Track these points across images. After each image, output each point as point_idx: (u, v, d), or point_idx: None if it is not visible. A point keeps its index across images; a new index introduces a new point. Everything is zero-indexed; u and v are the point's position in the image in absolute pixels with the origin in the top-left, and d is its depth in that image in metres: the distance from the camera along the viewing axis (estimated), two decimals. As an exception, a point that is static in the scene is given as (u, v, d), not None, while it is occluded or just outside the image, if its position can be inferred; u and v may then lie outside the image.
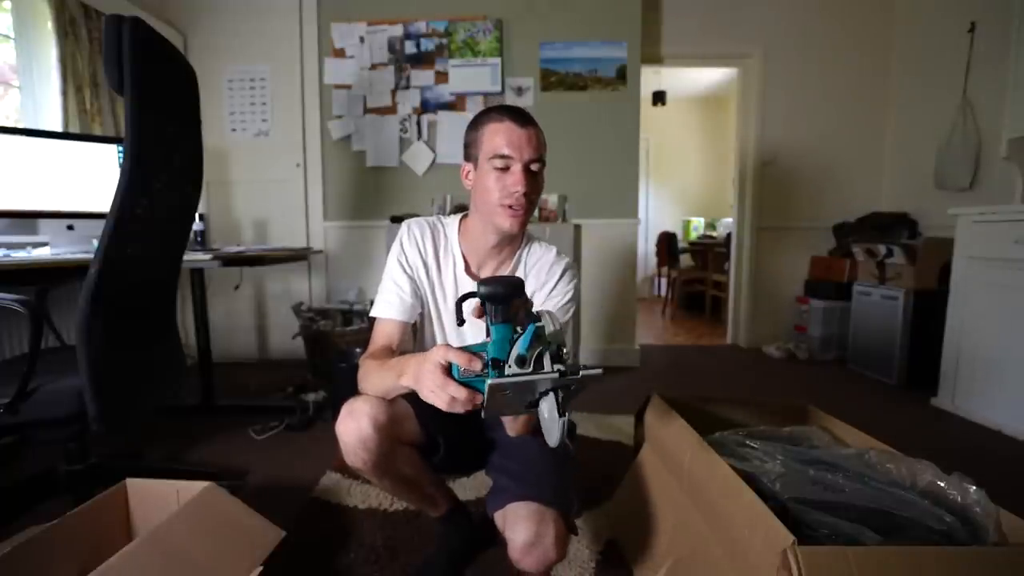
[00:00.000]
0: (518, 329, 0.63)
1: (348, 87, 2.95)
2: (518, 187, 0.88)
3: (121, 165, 1.24)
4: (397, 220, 2.67)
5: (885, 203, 3.25)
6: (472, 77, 2.91)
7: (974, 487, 0.83)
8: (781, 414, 1.28)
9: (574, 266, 1.04)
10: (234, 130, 2.99)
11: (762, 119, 3.31)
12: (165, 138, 1.10)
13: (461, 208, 2.53)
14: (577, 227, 2.79)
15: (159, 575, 0.83)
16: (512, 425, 0.89)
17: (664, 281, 5.34)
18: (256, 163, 3.00)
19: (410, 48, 2.92)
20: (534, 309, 0.67)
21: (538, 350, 0.61)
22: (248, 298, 3.09)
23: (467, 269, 1.01)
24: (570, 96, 2.93)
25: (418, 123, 2.95)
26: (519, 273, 1.01)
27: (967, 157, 2.64)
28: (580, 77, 2.92)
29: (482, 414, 0.65)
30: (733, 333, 3.62)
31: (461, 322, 0.70)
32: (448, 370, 0.66)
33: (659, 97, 4.89)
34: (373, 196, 3.01)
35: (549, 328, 0.62)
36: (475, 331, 0.93)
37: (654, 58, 3.21)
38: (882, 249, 2.76)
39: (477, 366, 0.63)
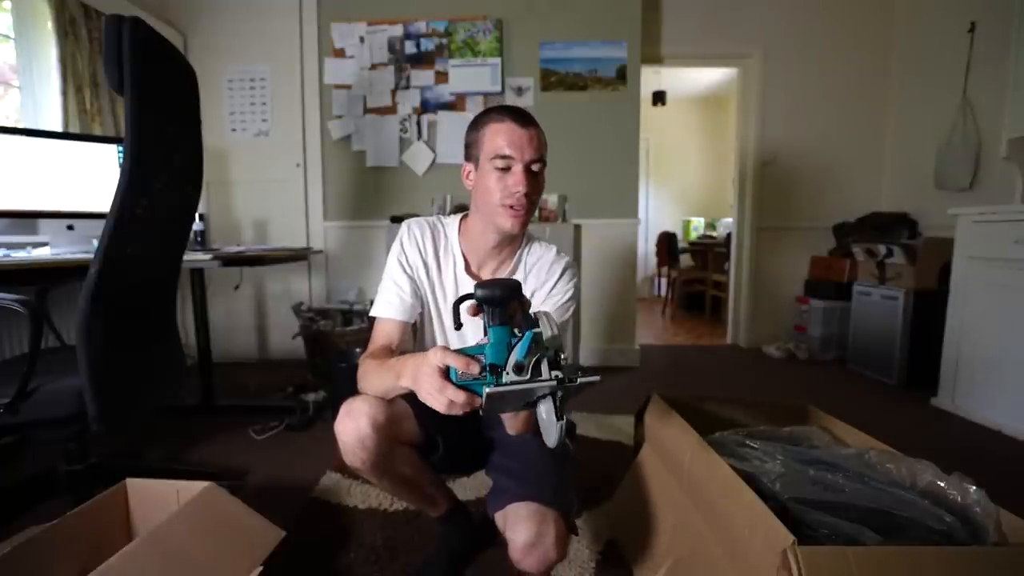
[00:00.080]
0: (515, 331, 0.63)
1: (348, 87, 2.95)
2: (519, 187, 0.88)
3: (121, 165, 1.24)
4: (397, 220, 2.67)
5: (885, 203, 3.25)
6: (472, 77, 2.91)
7: (974, 487, 0.82)
8: (781, 414, 1.28)
9: (574, 265, 1.04)
10: (234, 130, 2.99)
11: (762, 119, 3.31)
12: (165, 138, 1.10)
13: (461, 208, 2.53)
14: (577, 227, 2.79)
15: (159, 575, 0.83)
16: (512, 423, 0.89)
17: (664, 281, 5.34)
18: (256, 163, 3.00)
19: (410, 48, 2.92)
20: (534, 309, 0.67)
21: (536, 357, 0.61)
22: (248, 298, 3.09)
23: (467, 269, 1.01)
24: (570, 96, 2.93)
25: (418, 123, 2.95)
26: (519, 273, 1.01)
27: (967, 157, 2.64)
28: (580, 77, 2.92)
29: (480, 413, 0.65)
30: (733, 333, 3.62)
31: (458, 326, 0.70)
32: (446, 373, 0.66)
33: (659, 97, 4.89)
34: (373, 196, 3.01)
35: (547, 333, 0.62)
36: (475, 331, 0.93)
37: (654, 58, 3.21)
38: (882, 249, 2.76)
39: (475, 369, 0.63)
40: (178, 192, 1.20)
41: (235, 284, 2.94)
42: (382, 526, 1.32)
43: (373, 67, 2.93)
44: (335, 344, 2.36)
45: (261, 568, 0.90)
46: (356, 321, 2.55)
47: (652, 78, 4.58)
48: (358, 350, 2.10)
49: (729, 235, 3.81)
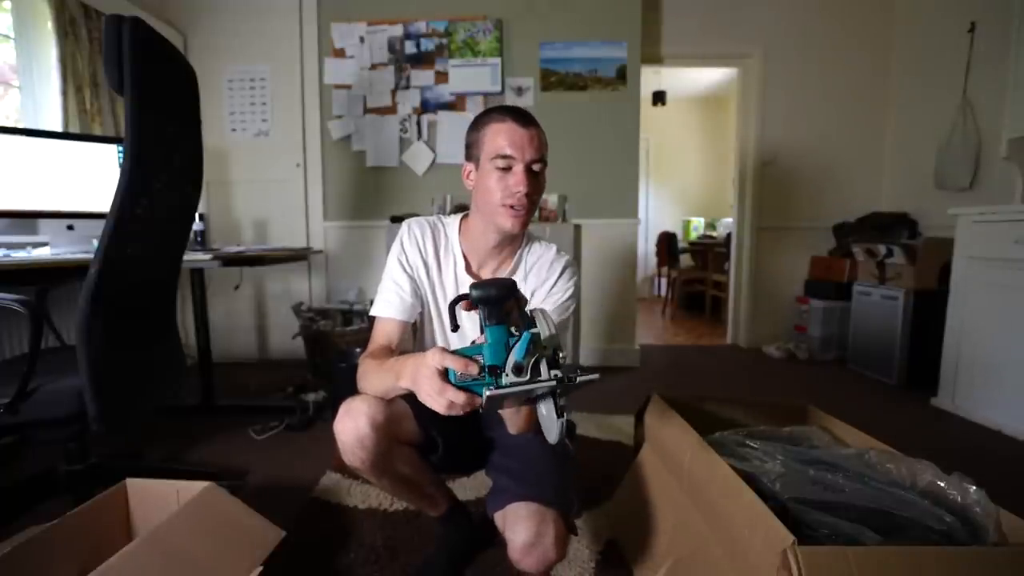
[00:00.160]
0: (513, 331, 0.64)
1: (348, 87, 2.95)
2: (520, 187, 0.88)
3: (121, 165, 1.24)
4: (397, 220, 2.67)
5: (885, 203, 3.25)
6: (472, 77, 2.91)
7: (974, 487, 0.82)
8: (781, 414, 1.28)
9: (574, 264, 1.04)
10: (234, 130, 2.99)
11: (762, 119, 3.31)
12: (165, 138, 1.10)
13: (461, 208, 2.53)
14: (577, 227, 2.79)
15: (159, 575, 0.83)
16: (514, 422, 0.89)
17: (664, 281, 5.34)
18: (256, 163, 3.00)
19: (410, 48, 2.92)
20: (533, 307, 0.67)
21: (535, 357, 0.61)
22: (248, 298, 3.09)
23: (468, 269, 1.01)
24: (570, 96, 2.93)
25: (418, 123, 2.95)
26: (520, 272, 1.01)
27: (967, 157, 2.64)
28: (580, 77, 2.92)
29: (480, 411, 0.65)
30: (733, 333, 3.62)
31: (455, 328, 0.71)
32: (445, 374, 0.66)
33: (659, 97, 4.89)
34: (373, 196, 3.01)
35: (544, 332, 0.62)
36: (475, 329, 0.93)
37: (654, 58, 3.21)
38: (882, 249, 2.76)
39: (474, 370, 0.64)
40: (178, 192, 1.20)
41: (235, 284, 2.94)
42: (382, 526, 1.32)
43: (373, 67, 2.93)
44: (335, 344, 2.36)
45: (261, 568, 0.90)
46: (356, 321, 2.55)
47: (652, 78, 4.58)
48: (358, 350, 2.10)
49: (729, 235, 3.81)
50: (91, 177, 1.76)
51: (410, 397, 0.78)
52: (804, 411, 1.31)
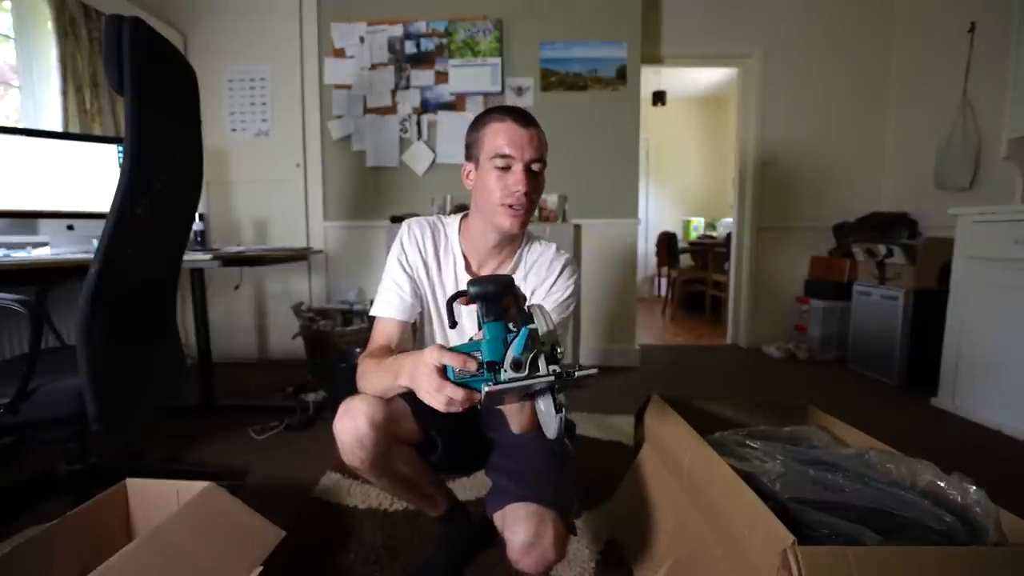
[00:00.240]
0: (511, 326, 0.64)
1: (348, 87, 2.95)
2: (519, 187, 0.88)
3: (121, 165, 1.24)
4: (397, 220, 2.67)
5: (885, 203, 3.25)
6: (472, 77, 2.91)
7: (974, 487, 0.82)
8: (781, 414, 1.28)
9: (574, 262, 1.04)
10: (234, 130, 2.99)
11: (762, 119, 3.31)
12: (165, 138, 1.10)
13: (461, 208, 2.53)
14: (577, 227, 2.79)
15: (159, 575, 0.83)
16: (517, 422, 0.89)
17: (664, 281, 5.34)
18: (256, 163, 3.00)
19: (410, 48, 2.92)
20: (532, 304, 0.68)
21: (533, 353, 0.61)
22: (248, 298, 3.09)
23: (468, 268, 1.01)
24: (570, 96, 2.93)
25: (418, 123, 2.95)
26: (520, 271, 1.01)
27: (967, 157, 2.64)
28: (580, 77, 2.92)
29: (479, 408, 0.65)
30: (733, 333, 3.62)
31: (453, 324, 0.71)
32: (443, 371, 0.67)
33: (659, 97, 4.89)
34: (373, 196, 3.01)
35: (542, 328, 0.63)
36: (474, 328, 0.93)
37: (654, 58, 3.21)
38: (882, 249, 2.76)
39: (472, 367, 0.64)
40: (178, 192, 1.20)
41: (235, 284, 2.94)
42: (382, 526, 1.32)
43: (373, 67, 2.93)
44: (335, 344, 2.36)
45: (261, 568, 0.90)
46: (356, 321, 2.55)
47: (652, 78, 4.58)
48: (358, 350, 2.09)
49: (729, 235, 3.81)
50: (91, 177, 1.76)
51: (409, 396, 0.78)
52: (804, 411, 1.31)
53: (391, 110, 2.95)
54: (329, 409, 2.08)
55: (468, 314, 0.96)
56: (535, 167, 0.91)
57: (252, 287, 3.08)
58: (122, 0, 2.46)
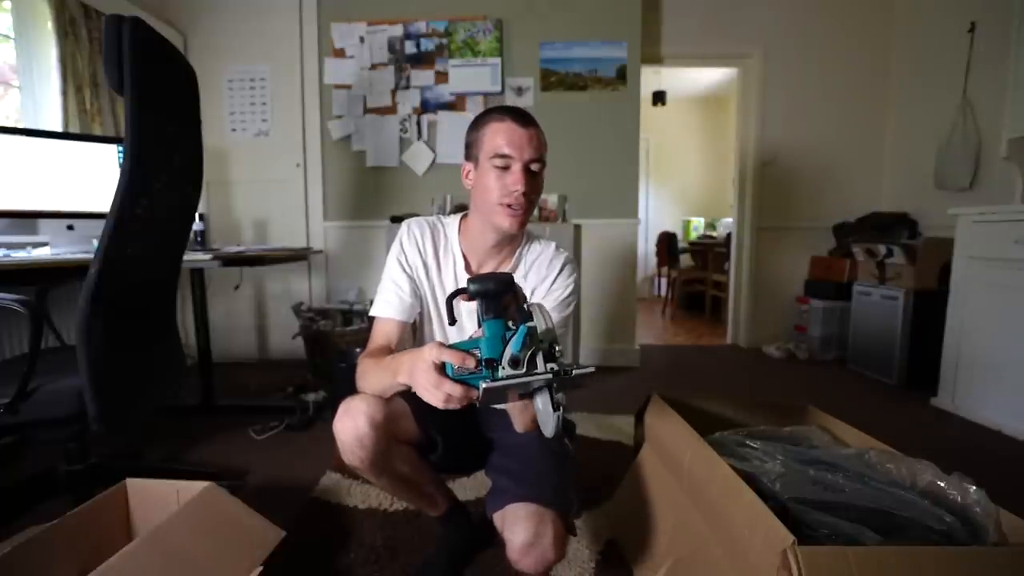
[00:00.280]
0: (510, 324, 0.64)
1: (348, 87, 2.95)
2: (517, 186, 0.88)
3: (121, 165, 1.24)
4: (397, 220, 2.67)
5: (885, 203, 3.25)
6: (472, 77, 2.91)
7: (974, 487, 0.82)
8: (781, 414, 1.28)
9: (573, 260, 1.05)
10: (234, 130, 2.99)
11: (762, 119, 3.31)
12: (165, 138, 1.10)
13: (461, 208, 2.53)
14: (577, 227, 2.79)
15: (159, 575, 0.83)
16: (520, 420, 0.89)
17: (664, 281, 5.34)
18: (256, 163, 3.00)
19: (410, 48, 2.92)
20: (532, 303, 0.68)
21: (531, 350, 0.62)
22: (248, 298, 3.09)
23: (467, 268, 1.01)
24: (570, 96, 2.93)
25: (418, 123, 2.95)
26: (520, 271, 1.01)
27: (967, 157, 2.64)
28: (580, 77, 2.92)
29: (477, 405, 0.66)
30: (733, 333, 3.62)
31: (452, 321, 0.72)
32: (442, 368, 0.67)
33: (659, 97, 4.89)
34: (373, 196, 3.01)
35: (541, 326, 0.63)
36: (473, 327, 0.93)
37: (654, 58, 3.21)
38: (882, 249, 2.76)
39: (471, 364, 0.64)
40: (178, 192, 1.20)
41: (235, 284, 2.94)
42: (382, 526, 1.32)
43: (373, 67, 2.93)
44: (335, 344, 2.36)
45: (261, 568, 0.90)
46: (356, 321, 2.55)
47: (652, 78, 4.58)
48: (358, 350, 2.09)
49: (729, 235, 3.81)
50: (91, 177, 1.76)
51: (409, 395, 0.78)
52: (804, 411, 1.31)
53: (391, 110, 2.95)
54: (329, 409, 2.08)
55: (468, 314, 0.96)
56: (534, 167, 0.91)
57: (252, 287, 3.08)
58: (122, 0, 2.46)
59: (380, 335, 0.98)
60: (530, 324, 0.62)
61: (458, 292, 0.69)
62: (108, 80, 0.97)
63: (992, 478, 0.88)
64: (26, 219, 1.75)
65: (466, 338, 0.71)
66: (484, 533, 1.13)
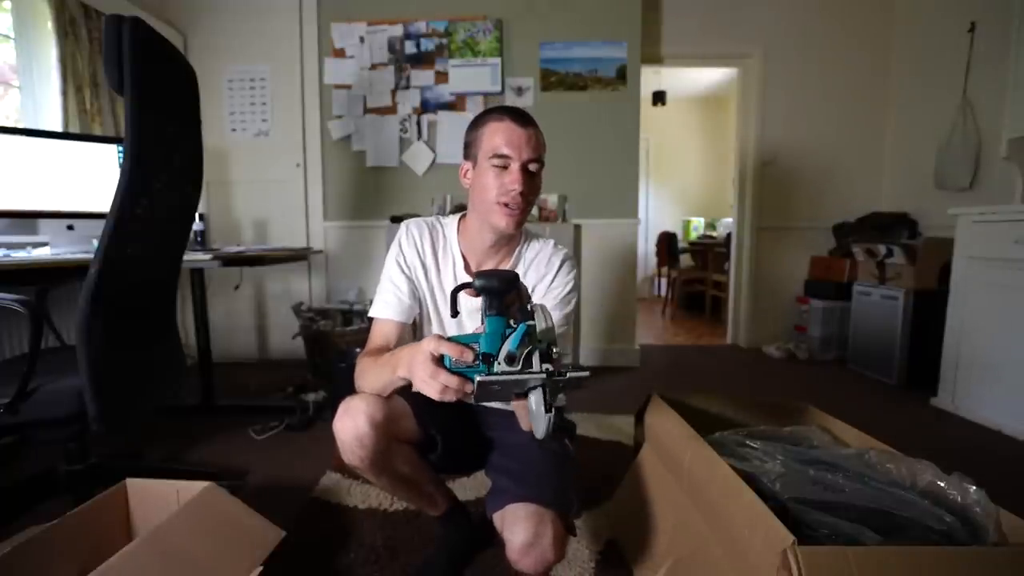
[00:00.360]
0: (511, 323, 0.65)
1: (348, 87, 2.95)
2: (515, 186, 0.89)
3: (121, 165, 1.24)
4: (397, 220, 2.67)
5: (885, 203, 3.25)
6: (472, 77, 2.91)
7: (974, 487, 0.82)
8: (781, 414, 1.28)
9: (572, 257, 1.05)
10: (234, 130, 2.99)
11: (762, 119, 3.31)
12: (165, 138, 1.10)
13: (461, 208, 2.53)
14: (577, 227, 2.79)
15: (159, 575, 0.83)
16: (526, 419, 0.89)
17: (664, 281, 5.34)
18: (256, 163, 3.00)
19: (410, 48, 2.92)
20: (535, 304, 0.68)
21: (527, 349, 0.62)
22: (248, 298, 3.09)
23: (467, 268, 1.01)
24: (570, 96, 2.93)
25: (418, 123, 2.95)
26: (519, 269, 1.01)
27: (967, 157, 2.64)
28: (580, 77, 2.92)
29: (472, 400, 0.66)
30: (733, 333, 3.62)
31: (455, 313, 0.72)
32: (440, 361, 0.67)
33: (659, 97, 4.89)
34: (373, 196, 3.02)
35: (541, 325, 0.63)
36: (473, 324, 0.93)
37: (654, 58, 3.21)
38: (882, 249, 2.76)
39: (469, 357, 0.65)
40: (178, 192, 1.20)
41: (235, 284, 2.94)
42: (382, 526, 1.32)
43: (373, 67, 2.93)
44: (335, 344, 2.36)
45: (261, 568, 0.90)
46: (356, 321, 2.55)
47: (652, 78, 4.58)
48: (358, 350, 2.08)
49: (729, 235, 3.81)
50: (91, 177, 1.76)
51: (409, 395, 0.78)
52: (804, 411, 1.31)
53: (391, 110, 2.95)
54: (329, 409, 2.08)
55: (469, 313, 0.97)
56: (532, 167, 0.91)
57: (252, 287, 3.08)
58: (122, 0, 2.46)
59: (379, 336, 0.98)
60: (529, 323, 0.63)
61: (464, 286, 0.69)
62: (108, 80, 0.97)
63: (992, 478, 0.88)
64: (26, 219, 1.75)
65: (466, 331, 0.72)
66: (484, 533, 1.13)
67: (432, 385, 0.66)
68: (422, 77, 2.92)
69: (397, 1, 2.91)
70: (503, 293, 0.65)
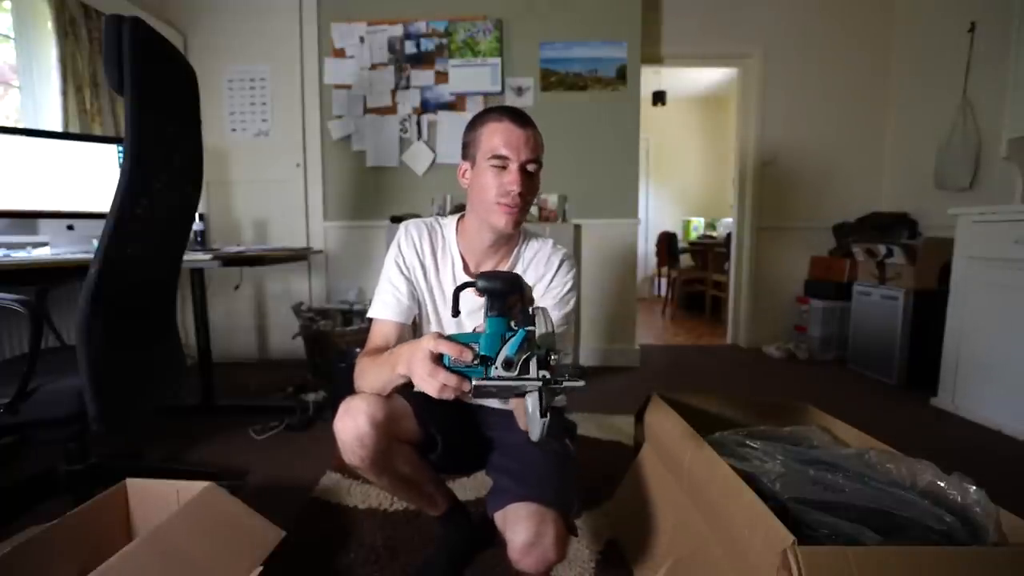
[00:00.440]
0: (512, 325, 0.65)
1: (348, 87, 2.95)
2: (514, 187, 0.89)
3: (121, 165, 1.24)
4: (397, 220, 2.67)
5: (885, 203, 3.25)
6: (472, 77, 2.91)
7: (974, 487, 0.82)
8: (781, 414, 1.28)
9: (571, 256, 1.05)
10: (234, 130, 2.99)
11: (762, 119, 3.31)
12: (165, 138, 1.10)
13: (461, 208, 2.53)
14: (577, 227, 2.79)
15: (159, 575, 0.83)
16: (523, 418, 0.89)
17: (664, 281, 5.34)
18: (256, 163, 3.00)
19: (410, 48, 2.92)
20: (537, 307, 0.68)
21: (525, 355, 0.62)
22: (248, 298, 3.09)
23: (466, 269, 1.01)
24: (570, 96, 2.93)
25: (418, 123, 2.95)
26: (518, 269, 1.02)
27: (967, 157, 2.64)
28: (580, 77, 2.92)
29: (469, 400, 0.66)
30: (733, 333, 3.62)
31: (456, 313, 0.72)
32: (439, 359, 0.67)
33: (659, 97, 4.89)
34: (373, 196, 3.02)
35: (541, 330, 0.64)
36: (473, 324, 0.93)
37: (654, 58, 3.21)
38: (882, 249, 2.76)
39: (468, 357, 0.65)
40: (178, 192, 1.20)
41: (235, 284, 2.94)
42: (382, 526, 1.32)
43: (373, 67, 2.93)
44: (335, 344, 2.36)
45: (261, 568, 0.90)
46: (356, 321, 2.55)
47: (652, 78, 4.58)
48: (358, 350, 2.08)
49: (729, 235, 3.81)
50: (91, 177, 1.76)
51: (410, 394, 0.78)
52: (804, 411, 1.31)
53: (391, 110, 2.95)
54: (329, 409, 2.08)
55: (468, 314, 0.97)
56: (531, 168, 0.91)
57: (252, 287, 3.08)
58: (122, 0, 2.46)
59: (378, 336, 0.98)
60: (529, 328, 0.63)
61: (466, 285, 0.69)
62: (108, 80, 0.97)
63: (992, 478, 0.88)
64: (26, 219, 1.75)
65: (466, 330, 0.72)
66: (484, 533, 1.13)
67: (431, 383, 0.67)
68: (422, 77, 2.92)
69: (397, 1, 2.91)
70: (506, 294, 0.66)
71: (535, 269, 1.02)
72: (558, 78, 2.93)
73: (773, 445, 1.03)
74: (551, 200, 2.78)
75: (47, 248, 1.70)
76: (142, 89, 0.98)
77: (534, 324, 0.64)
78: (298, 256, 2.64)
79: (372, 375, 0.87)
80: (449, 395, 0.66)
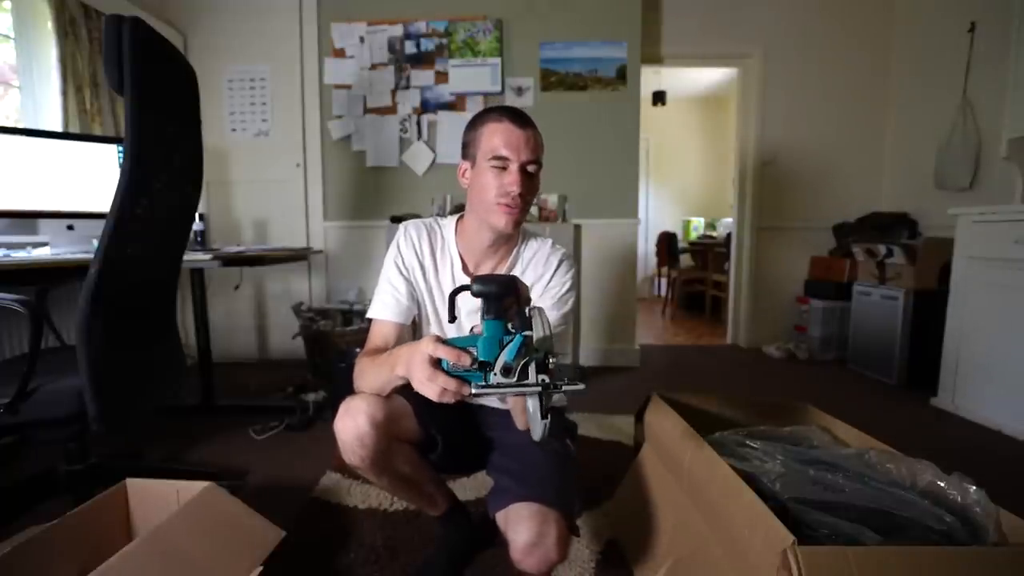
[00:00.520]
0: (510, 327, 0.65)
1: (348, 87, 2.95)
2: (514, 187, 0.89)
3: (121, 165, 1.24)
4: (397, 220, 2.67)
5: (885, 203, 3.25)
6: (472, 77, 2.91)
7: (974, 487, 0.82)
8: (781, 414, 1.28)
9: (570, 256, 1.05)
10: (234, 130, 2.99)
11: (762, 119, 3.31)
12: (165, 138, 1.10)
13: (461, 208, 2.53)
14: (577, 227, 2.78)
15: (159, 575, 0.83)
16: (521, 418, 0.89)
17: (664, 281, 5.34)
18: (256, 163, 3.00)
19: (410, 48, 2.92)
20: (534, 308, 0.68)
21: (524, 360, 0.63)
22: (248, 298, 3.09)
23: (465, 269, 1.01)
24: (570, 96, 2.93)
25: (418, 123, 2.95)
26: (517, 269, 1.01)
27: (967, 157, 2.64)
28: (580, 77, 2.92)
29: (470, 400, 0.67)
30: (733, 333, 3.62)
31: (453, 319, 0.72)
32: (438, 362, 0.67)
33: (659, 97, 4.89)
34: (373, 196, 3.02)
35: (539, 333, 0.63)
36: (472, 323, 0.93)
37: (654, 58, 3.21)
38: (882, 249, 2.76)
39: (466, 361, 0.65)
40: (178, 192, 1.20)
41: (235, 284, 2.94)
42: (382, 526, 1.32)
43: (373, 67, 2.93)
44: (335, 344, 2.36)
45: (261, 568, 0.90)
46: (356, 321, 2.55)
47: (652, 78, 4.58)
48: (358, 350, 2.08)
49: (729, 235, 3.81)
50: (91, 177, 1.76)
51: (410, 394, 0.78)
52: (804, 411, 1.31)
53: (391, 110, 2.95)
54: (329, 409, 2.08)
55: (467, 314, 0.97)
56: (530, 168, 0.91)
57: (252, 287, 3.08)
58: (122, 0, 2.46)
59: (377, 337, 0.98)
60: (527, 333, 0.63)
61: (462, 289, 0.69)
62: (108, 80, 0.97)
63: (992, 478, 0.88)
64: (26, 219, 1.75)
65: (465, 332, 0.72)
66: (484, 533, 1.13)
67: (430, 387, 0.67)
68: (422, 77, 2.92)
69: (397, 1, 2.91)
70: (501, 297, 0.66)
71: (534, 269, 1.01)
72: (558, 78, 2.93)
73: (773, 445, 1.03)
74: (551, 200, 2.78)
75: (47, 248, 1.70)
76: (142, 89, 0.98)
77: (531, 326, 0.64)
78: (298, 256, 2.64)
79: (371, 376, 0.87)
80: (450, 399, 0.66)
